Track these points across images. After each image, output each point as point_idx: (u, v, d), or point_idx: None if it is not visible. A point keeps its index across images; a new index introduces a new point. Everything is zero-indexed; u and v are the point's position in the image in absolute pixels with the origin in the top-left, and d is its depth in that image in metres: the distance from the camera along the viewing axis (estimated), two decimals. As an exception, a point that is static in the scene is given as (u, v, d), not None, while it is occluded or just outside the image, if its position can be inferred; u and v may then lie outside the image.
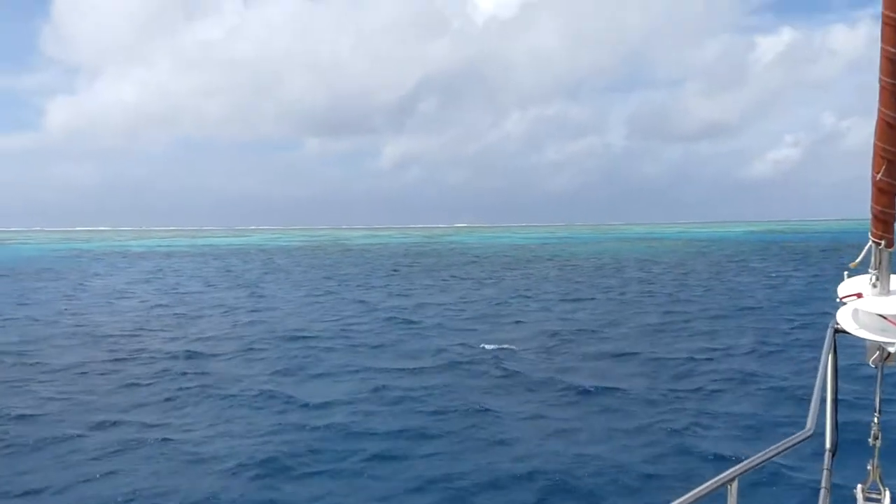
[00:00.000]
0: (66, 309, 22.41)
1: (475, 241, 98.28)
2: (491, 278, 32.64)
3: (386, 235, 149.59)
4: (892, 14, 1.50)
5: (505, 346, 14.67)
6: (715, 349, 13.87)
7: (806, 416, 1.89)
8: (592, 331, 16.50)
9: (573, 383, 11.19)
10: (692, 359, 12.88)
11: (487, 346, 14.47)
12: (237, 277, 35.67)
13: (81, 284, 32.52)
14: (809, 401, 1.95)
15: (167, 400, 10.80)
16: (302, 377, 12.30)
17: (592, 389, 10.85)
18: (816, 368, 2.14)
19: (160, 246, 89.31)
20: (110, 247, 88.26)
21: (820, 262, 39.21)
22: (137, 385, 11.72)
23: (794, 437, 1.83)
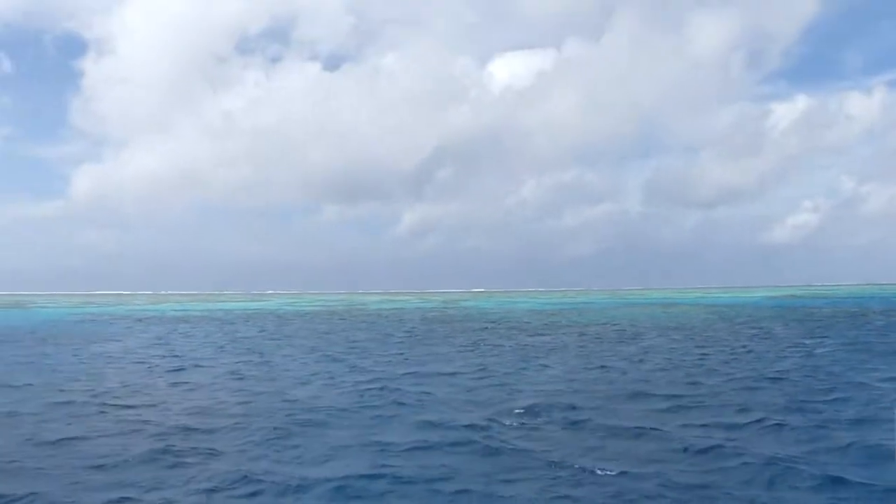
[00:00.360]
0: (66, 374, 21.86)
1: (492, 306, 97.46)
2: (506, 345, 31.74)
3: (403, 300, 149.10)
4: None
5: (521, 420, 13.85)
6: (744, 424, 12.95)
7: None
8: (612, 405, 15.57)
9: (586, 466, 10.32)
10: (717, 438, 11.93)
11: (504, 421, 13.65)
12: (246, 343, 35.07)
13: (89, 348, 32.07)
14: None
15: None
16: (290, 455, 11.52)
17: (609, 473, 9.98)
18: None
19: (177, 310, 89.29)
20: (128, 311, 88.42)
21: (847, 329, 37.97)
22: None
23: None
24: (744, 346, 28.64)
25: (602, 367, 22.23)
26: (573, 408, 15.01)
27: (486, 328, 45.46)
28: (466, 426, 13.20)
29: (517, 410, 14.86)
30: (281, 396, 17.19)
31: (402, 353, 28.22)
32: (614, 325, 47.35)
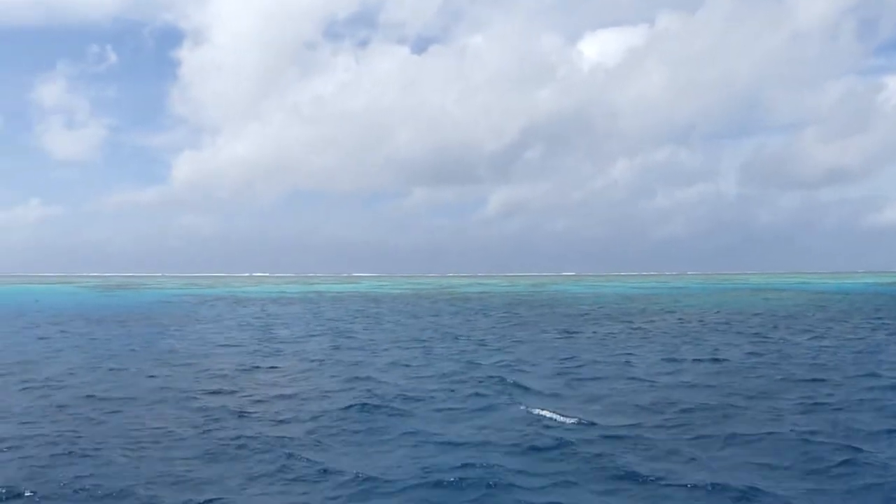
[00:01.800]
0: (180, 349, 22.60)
1: (581, 291, 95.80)
2: (600, 332, 30.81)
3: (492, 284, 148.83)
4: None
5: (617, 423, 13.04)
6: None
7: None
8: (722, 404, 14.47)
9: (703, 481, 9.25)
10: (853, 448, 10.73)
11: (596, 421, 12.58)
12: (335, 323, 35.51)
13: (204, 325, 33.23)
14: None
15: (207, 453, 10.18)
16: (365, 444, 11.26)
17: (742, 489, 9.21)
18: None
19: (271, 292, 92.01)
20: (228, 292, 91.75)
21: None
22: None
23: None
24: (861, 338, 26.73)
25: (714, 359, 21.02)
26: (674, 404, 14.12)
27: (582, 315, 44.42)
28: (580, 424, 12.59)
29: (613, 410, 14.14)
30: (361, 382, 17.10)
31: (498, 340, 27.80)
32: (715, 311, 45.41)
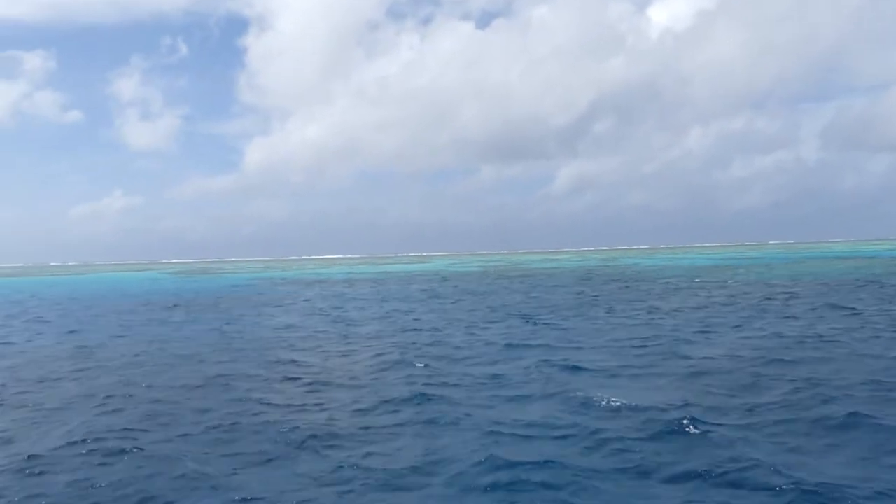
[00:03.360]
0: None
1: (656, 263, 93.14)
2: (674, 307, 29.40)
3: (564, 259, 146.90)
4: None
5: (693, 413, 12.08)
6: None
7: None
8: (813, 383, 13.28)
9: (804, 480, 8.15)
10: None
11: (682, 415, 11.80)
12: (400, 304, 35.20)
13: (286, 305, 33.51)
14: None
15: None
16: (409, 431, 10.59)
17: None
18: None
19: (343, 273, 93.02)
20: (299, 275, 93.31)
21: None
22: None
23: None
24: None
25: (817, 335, 19.56)
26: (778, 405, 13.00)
27: (658, 287, 42.82)
28: (635, 414, 11.70)
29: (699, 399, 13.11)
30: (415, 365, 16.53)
31: (553, 320, 26.86)
32: (799, 281, 43.04)
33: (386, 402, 12.52)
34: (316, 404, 12.56)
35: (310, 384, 14.45)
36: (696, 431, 9.73)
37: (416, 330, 23.50)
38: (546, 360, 15.89)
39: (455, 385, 13.69)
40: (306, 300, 41.43)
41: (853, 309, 24.47)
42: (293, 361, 17.50)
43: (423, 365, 16.00)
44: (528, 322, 24.80)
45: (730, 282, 45.00)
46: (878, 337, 17.66)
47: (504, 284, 52.80)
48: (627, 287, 43.49)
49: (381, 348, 19.37)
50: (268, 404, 12.70)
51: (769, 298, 30.50)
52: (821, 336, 18.20)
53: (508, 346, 18.84)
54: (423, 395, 12.72)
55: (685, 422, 10.11)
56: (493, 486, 8.11)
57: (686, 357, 15.84)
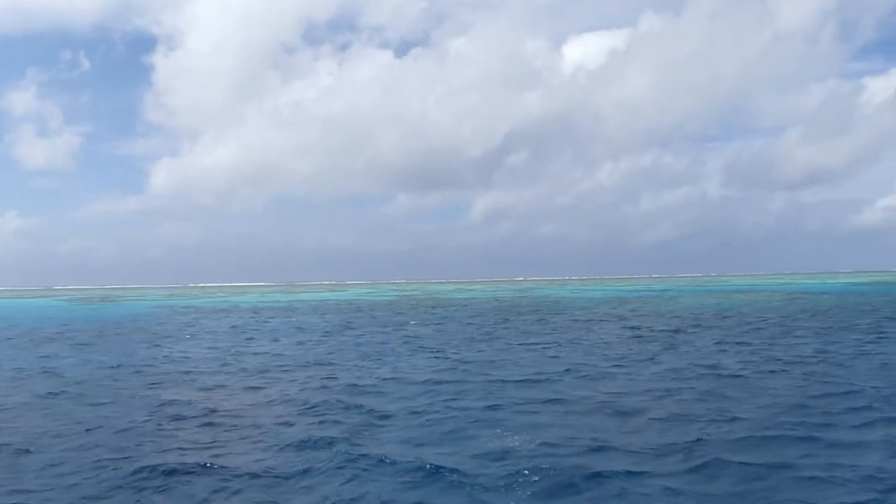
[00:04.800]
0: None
1: (568, 294, 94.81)
2: (582, 338, 29.65)
3: (478, 289, 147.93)
4: None
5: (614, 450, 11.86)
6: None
7: None
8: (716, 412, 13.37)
9: None
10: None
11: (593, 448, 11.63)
12: (307, 335, 34.13)
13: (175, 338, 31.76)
14: None
15: None
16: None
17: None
18: None
19: (253, 301, 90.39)
20: (211, 302, 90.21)
21: None
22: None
23: None
24: (846, 340, 25.73)
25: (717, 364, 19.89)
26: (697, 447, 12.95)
27: (567, 318, 43.29)
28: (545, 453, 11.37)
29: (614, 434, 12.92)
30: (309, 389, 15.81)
31: (461, 347, 26.55)
32: (699, 314, 44.44)
33: (277, 446, 11.72)
34: (190, 447, 11.63)
35: (193, 422, 13.46)
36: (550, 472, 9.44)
37: (320, 364, 22.63)
38: (433, 390, 15.44)
39: (344, 423, 13.01)
40: (209, 332, 39.67)
41: (746, 343, 25.26)
42: (172, 401, 16.20)
43: (320, 402, 15.24)
44: (434, 355, 24.34)
45: (632, 314, 46.01)
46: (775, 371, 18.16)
47: (417, 314, 52.29)
48: (541, 320, 43.77)
49: (278, 384, 18.45)
50: (118, 448, 11.67)
51: (676, 330, 31.20)
52: (716, 367, 18.58)
53: (413, 382, 18.28)
54: (317, 438, 12.01)
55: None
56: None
57: (564, 393, 15.73)
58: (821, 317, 39.21)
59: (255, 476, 9.94)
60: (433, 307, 65.39)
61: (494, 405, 14.52)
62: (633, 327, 34.81)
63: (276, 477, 9.92)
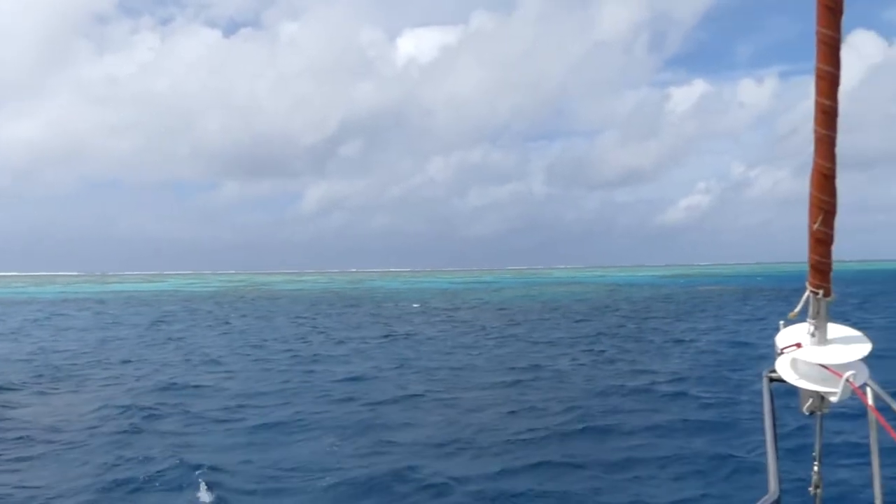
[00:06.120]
0: None
1: (399, 286, 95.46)
2: (404, 330, 29.68)
3: (310, 280, 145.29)
4: (825, 67, 1.61)
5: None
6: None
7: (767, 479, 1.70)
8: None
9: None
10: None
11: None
12: (117, 328, 31.48)
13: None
14: (766, 462, 1.76)
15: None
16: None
17: None
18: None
19: (58, 292, 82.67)
20: (7, 293, 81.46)
21: (727, 306, 39.29)
22: None
23: (761, 502, 1.58)
24: (641, 322, 27.74)
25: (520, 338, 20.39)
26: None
27: (396, 308, 43.30)
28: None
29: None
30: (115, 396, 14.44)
31: (289, 337, 25.68)
32: (532, 302, 46.24)
33: (77, 461, 10.33)
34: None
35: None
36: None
37: (126, 362, 20.70)
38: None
39: (145, 430, 11.81)
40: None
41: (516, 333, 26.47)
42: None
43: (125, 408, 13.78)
44: (246, 351, 23.20)
45: (462, 306, 47.01)
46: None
47: (239, 307, 50.08)
48: (374, 315, 43.41)
49: (67, 385, 16.60)
50: None
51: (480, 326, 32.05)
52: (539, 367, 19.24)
53: (219, 389, 17.17)
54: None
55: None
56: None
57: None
58: (628, 306, 42.14)
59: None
60: (254, 299, 63.07)
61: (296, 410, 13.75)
62: (462, 321, 35.38)
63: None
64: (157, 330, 32.13)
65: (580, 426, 11.45)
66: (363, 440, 10.95)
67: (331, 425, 11.99)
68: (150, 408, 13.52)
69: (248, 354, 22.41)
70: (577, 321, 33.36)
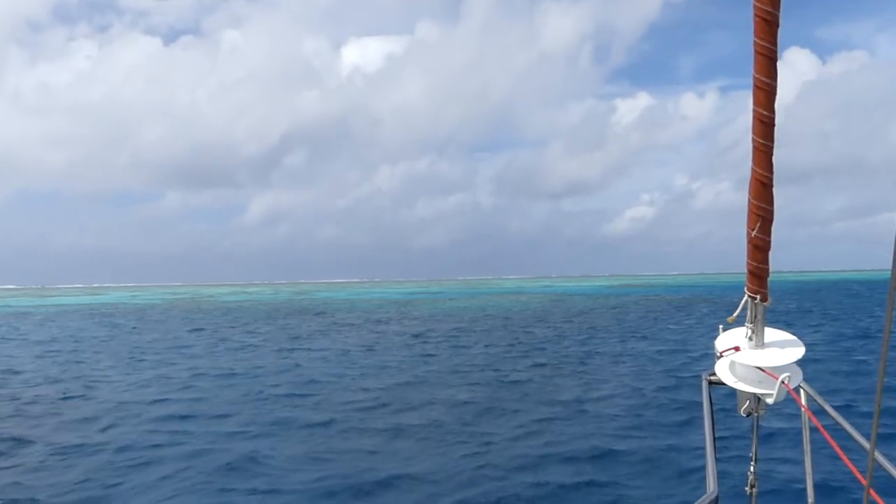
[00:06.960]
0: None
1: (346, 297, 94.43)
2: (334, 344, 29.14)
3: (255, 292, 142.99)
4: (762, 78, 1.66)
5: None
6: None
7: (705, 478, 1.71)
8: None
9: None
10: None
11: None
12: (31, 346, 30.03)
13: None
14: (705, 462, 1.78)
15: None
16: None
17: None
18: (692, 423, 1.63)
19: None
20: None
21: (670, 314, 40.26)
22: None
23: (700, 501, 1.59)
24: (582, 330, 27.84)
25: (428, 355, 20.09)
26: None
27: (343, 320, 42.63)
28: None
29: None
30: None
31: (218, 349, 24.91)
32: (478, 312, 46.08)
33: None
34: None
35: None
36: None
37: (55, 380, 19.66)
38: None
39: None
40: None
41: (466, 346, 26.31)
42: None
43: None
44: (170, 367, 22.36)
45: (405, 318, 46.60)
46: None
47: (177, 322, 48.66)
48: (327, 326, 42.64)
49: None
50: None
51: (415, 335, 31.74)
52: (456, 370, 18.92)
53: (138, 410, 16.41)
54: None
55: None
56: None
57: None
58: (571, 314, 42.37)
59: None
60: (194, 312, 61.42)
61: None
62: (414, 333, 34.95)
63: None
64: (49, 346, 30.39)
65: (522, 431, 11.22)
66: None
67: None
68: None
69: (165, 368, 21.59)
70: (521, 329, 33.37)
